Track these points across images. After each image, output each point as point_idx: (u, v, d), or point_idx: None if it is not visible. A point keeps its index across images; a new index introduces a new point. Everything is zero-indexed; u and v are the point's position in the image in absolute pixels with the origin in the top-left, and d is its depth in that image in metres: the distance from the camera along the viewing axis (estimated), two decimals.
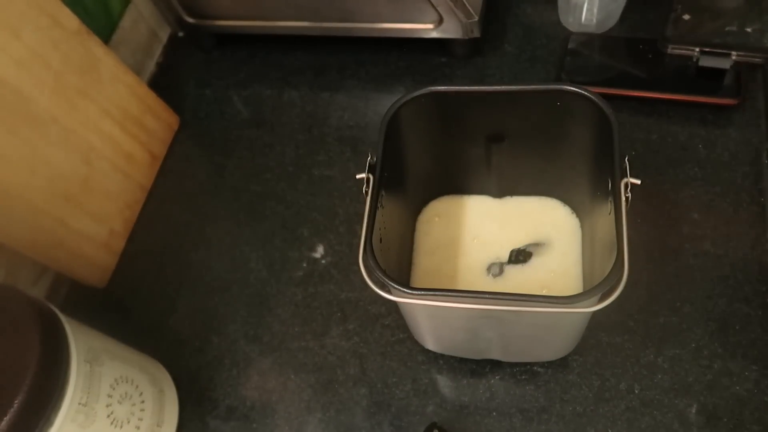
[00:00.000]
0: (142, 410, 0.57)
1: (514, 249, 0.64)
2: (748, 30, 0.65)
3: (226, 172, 0.81)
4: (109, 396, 0.53)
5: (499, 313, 0.48)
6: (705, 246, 0.64)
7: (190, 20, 0.87)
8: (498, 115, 0.56)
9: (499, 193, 0.67)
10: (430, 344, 0.62)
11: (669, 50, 0.68)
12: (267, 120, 0.84)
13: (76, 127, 0.68)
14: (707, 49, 0.66)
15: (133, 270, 0.75)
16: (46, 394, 0.46)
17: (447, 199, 0.69)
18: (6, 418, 0.42)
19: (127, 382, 0.55)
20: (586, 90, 0.51)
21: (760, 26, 0.64)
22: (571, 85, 0.52)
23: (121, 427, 0.54)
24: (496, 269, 0.64)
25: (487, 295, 0.45)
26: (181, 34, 0.94)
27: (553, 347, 0.59)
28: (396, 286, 0.46)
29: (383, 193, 0.52)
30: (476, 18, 0.76)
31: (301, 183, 0.78)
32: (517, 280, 0.63)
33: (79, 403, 0.49)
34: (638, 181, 0.47)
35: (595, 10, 0.77)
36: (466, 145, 0.61)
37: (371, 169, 0.51)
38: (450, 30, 0.78)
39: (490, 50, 0.84)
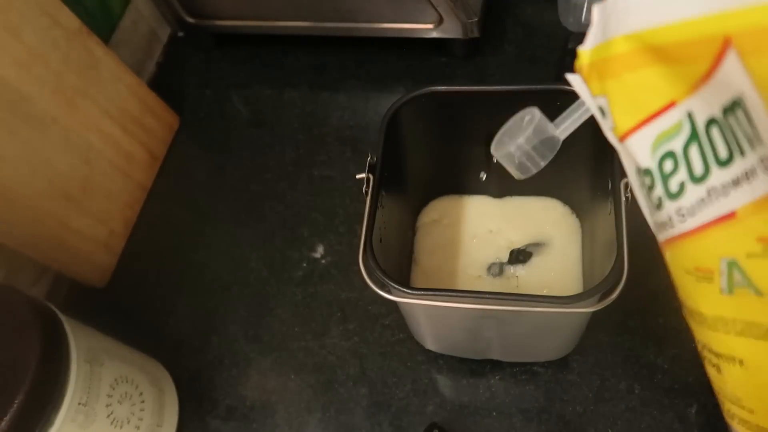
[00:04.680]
0: (142, 410, 0.57)
1: (514, 249, 0.64)
2: None
3: (226, 172, 0.81)
4: (109, 396, 0.53)
5: (499, 313, 0.48)
6: None
7: (190, 20, 0.87)
8: (498, 115, 0.56)
9: (499, 193, 0.67)
10: (430, 344, 0.61)
11: None
12: (267, 120, 0.84)
13: (76, 127, 0.68)
14: None
15: (133, 270, 0.75)
16: (46, 394, 0.46)
17: (447, 199, 0.69)
18: (6, 418, 0.42)
19: (127, 382, 0.55)
20: None
21: None
22: (571, 85, 0.52)
23: (121, 427, 0.54)
24: (496, 269, 0.64)
25: (487, 295, 0.45)
26: (181, 34, 0.94)
27: (553, 347, 0.59)
28: (396, 286, 0.46)
29: (383, 193, 0.52)
30: (476, 18, 0.76)
31: (301, 183, 0.78)
32: (517, 280, 0.63)
33: (79, 403, 0.49)
34: None
35: None
36: (466, 145, 0.61)
37: (371, 169, 0.51)
38: (450, 30, 0.78)
39: (490, 50, 0.84)
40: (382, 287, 0.47)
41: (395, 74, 0.85)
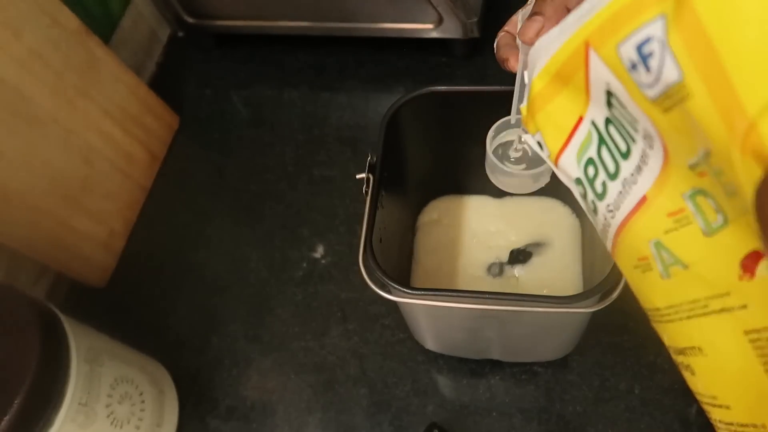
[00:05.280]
0: (142, 410, 0.57)
1: (514, 249, 0.64)
2: None
3: (226, 172, 0.81)
4: (109, 396, 0.52)
5: (499, 313, 0.48)
6: None
7: (190, 20, 0.87)
8: (498, 115, 0.56)
9: (499, 193, 0.67)
10: (430, 344, 0.61)
11: None
12: (267, 120, 0.84)
13: (76, 127, 0.68)
14: None
15: (133, 270, 0.75)
16: (46, 394, 0.46)
17: (447, 199, 0.68)
18: (6, 418, 0.42)
19: (127, 382, 0.55)
20: None
21: None
22: None
23: (121, 427, 0.54)
24: (496, 269, 0.64)
25: (487, 295, 0.45)
26: (181, 34, 0.94)
27: (553, 347, 0.59)
28: (396, 286, 0.46)
29: (383, 193, 0.52)
30: (476, 18, 0.76)
31: (301, 183, 0.78)
32: (517, 280, 0.63)
33: (79, 403, 0.49)
34: None
35: None
36: (466, 145, 0.60)
37: (371, 169, 0.51)
38: (450, 30, 0.78)
39: (490, 50, 0.83)
40: (382, 287, 0.47)
41: (395, 74, 0.85)
